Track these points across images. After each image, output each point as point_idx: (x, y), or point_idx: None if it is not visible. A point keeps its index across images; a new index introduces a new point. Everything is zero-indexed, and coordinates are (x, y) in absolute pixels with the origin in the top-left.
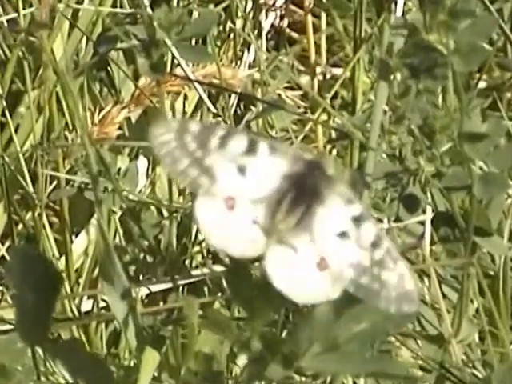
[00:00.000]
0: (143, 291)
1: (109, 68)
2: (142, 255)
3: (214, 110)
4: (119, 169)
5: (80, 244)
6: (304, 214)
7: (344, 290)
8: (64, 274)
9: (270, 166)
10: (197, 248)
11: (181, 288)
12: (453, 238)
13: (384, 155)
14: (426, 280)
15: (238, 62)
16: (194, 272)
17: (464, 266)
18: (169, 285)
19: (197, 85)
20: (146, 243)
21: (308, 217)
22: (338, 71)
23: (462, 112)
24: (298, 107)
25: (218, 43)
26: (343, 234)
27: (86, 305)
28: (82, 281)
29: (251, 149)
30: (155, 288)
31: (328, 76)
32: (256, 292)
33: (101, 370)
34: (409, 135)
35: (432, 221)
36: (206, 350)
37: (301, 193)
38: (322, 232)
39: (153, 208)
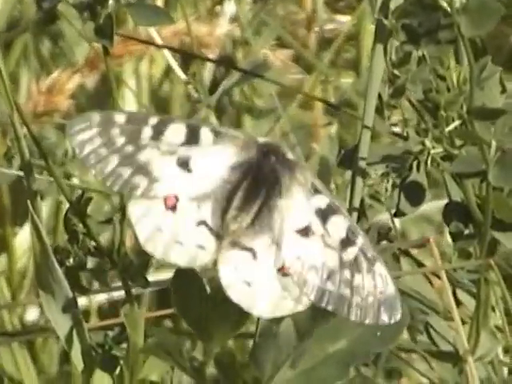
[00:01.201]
0: (91, 302)
1: (59, 25)
2: (88, 258)
3: (184, 77)
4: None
5: (25, 239)
6: (261, 209)
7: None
8: (3, 276)
9: (216, 155)
10: None
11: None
12: (467, 234)
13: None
14: (436, 284)
15: (215, 16)
16: (155, 277)
17: (480, 268)
18: (122, 294)
19: (163, 45)
20: (92, 243)
21: (265, 213)
22: (339, 22)
23: (471, 83)
24: (290, 70)
25: None
26: (307, 231)
27: (32, 314)
28: (26, 283)
29: (192, 137)
30: (105, 298)
31: (328, 28)
32: (209, 307)
33: None
34: (411, 110)
35: (443, 213)
36: (153, 377)
37: (256, 184)
38: (283, 230)
39: (108, 199)
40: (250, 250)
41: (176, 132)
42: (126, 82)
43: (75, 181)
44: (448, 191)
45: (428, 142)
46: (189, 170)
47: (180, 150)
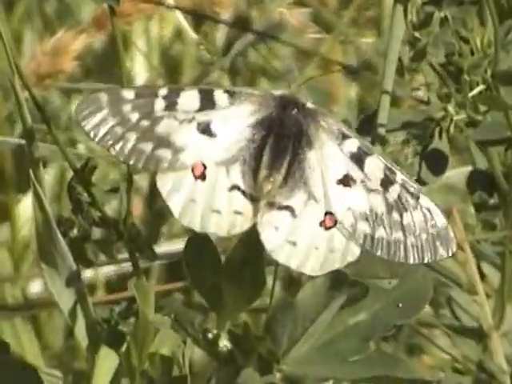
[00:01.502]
0: (97, 275)
1: None
2: (93, 229)
3: (195, 38)
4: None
5: (28, 207)
6: (291, 165)
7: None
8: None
9: (235, 115)
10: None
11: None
12: (492, 205)
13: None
14: (459, 257)
15: None
16: (164, 249)
17: (505, 239)
18: (129, 267)
19: (174, 4)
20: (98, 214)
21: (297, 168)
22: None
23: (496, 45)
24: (308, 30)
25: None
26: (345, 179)
27: (35, 287)
28: (29, 254)
29: (207, 102)
30: (111, 271)
31: None
32: (223, 277)
33: None
34: (433, 74)
35: (466, 182)
36: (163, 351)
37: (281, 140)
38: (319, 181)
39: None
40: (288, 207)
41: (189, 99)
42: (135, 42)
43: (80, 147)
44: (472, 159)
45: (451, 108)
46: (211, 135)
47: (198, 116)
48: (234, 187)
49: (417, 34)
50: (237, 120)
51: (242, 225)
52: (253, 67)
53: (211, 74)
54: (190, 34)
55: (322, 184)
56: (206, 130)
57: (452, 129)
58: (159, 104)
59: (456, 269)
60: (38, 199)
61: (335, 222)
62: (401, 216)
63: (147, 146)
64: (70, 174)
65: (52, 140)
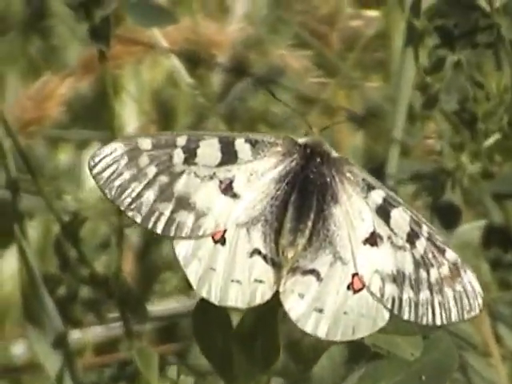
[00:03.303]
0: (85, 337)
1: (50, 22)
2: (82, 287)
3: (190, 82)
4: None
5: (9, 264)
6: (316, 223)
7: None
8: None
9: (258, 170)
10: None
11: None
12: (508, 262)
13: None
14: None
15: (226, 13)
16: (157, 308)
17: None
18: (120, 328)
19: (167, 46)
20: (87, 270)
21: (322, 226)
22: (366, 18)
23: None
24: (310, 74)
25: None
26: (372, 237)
27: (18, 348)
28: (12, 313)
29: (228, 153)
30: (101, 332)
31: (353, 24)
32: (234, 344)
33: None
34: (446, 122)
35: (481, 238)
36: None
37: (306, 195)
38: (345, 241)
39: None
40: (313, 271)
41: (209, 150)
42: (126, 87)
43: (68, 199)
44: (487, 213)
45: (464, 158)
46: (234, 196)
47: (219, 173)
48: (255, 251)
49: (428, 79)
50: (260, 176)
51: (263, 294)
52: (251, 113)
53: (207, 120)
54: (185, 77)
55: (349, 243)
56: (228, 189)
57: (466, 180)
58: (178, 156)
59: (470, 330)
60: (22, 254)
61: (363, 285)
62: (428, 273)
63: (166, 208)
64: (56, 227)
65: (37, 191)
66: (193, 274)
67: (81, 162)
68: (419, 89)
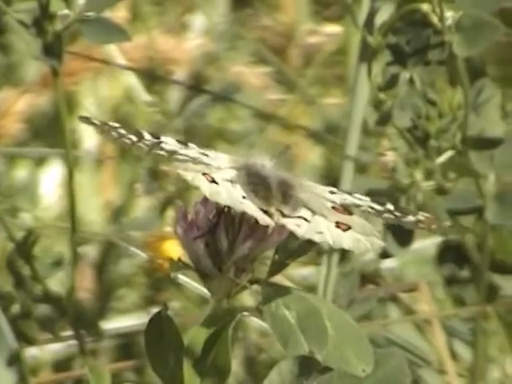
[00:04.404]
0: (42, 354)
1: (7, 37)
2: (36, 305)
3: (147, 98)
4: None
5: None
6: (284, 199)
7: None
8: None
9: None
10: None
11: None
12: (463, 278)
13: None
14: (428, 333)
15: (184, 28)
16: (114, 326)
17: (477, 315)
18: (75, 346)
19: (124, 63)
20: (40, 289)
21: (291, 198)
22: (325, 34)
23: (466, 108)
24: (269, 90)
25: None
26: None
27: None
28: None
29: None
30: (58, 350)
31: (312, 40)
32: (185, 361)
33: None
34: (400, 139)
35: (435, 254)
36: None
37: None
38: (316, 204)
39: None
40: (301, 217)
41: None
42: (83, 103)
43: (24, 216)
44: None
45: (418, 175)
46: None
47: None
48: (244, 198)
49: (382, 96)
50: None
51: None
52: (209, 130)
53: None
54: (142, 94)
55: (322, 206)
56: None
57: (420, 197)
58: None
59: (425, 347)
60: None
61: (349, 227)
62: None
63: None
64: (10, 245)
65: None
66: (203, 185)
67: (37, 178)
68: (373, 105)
